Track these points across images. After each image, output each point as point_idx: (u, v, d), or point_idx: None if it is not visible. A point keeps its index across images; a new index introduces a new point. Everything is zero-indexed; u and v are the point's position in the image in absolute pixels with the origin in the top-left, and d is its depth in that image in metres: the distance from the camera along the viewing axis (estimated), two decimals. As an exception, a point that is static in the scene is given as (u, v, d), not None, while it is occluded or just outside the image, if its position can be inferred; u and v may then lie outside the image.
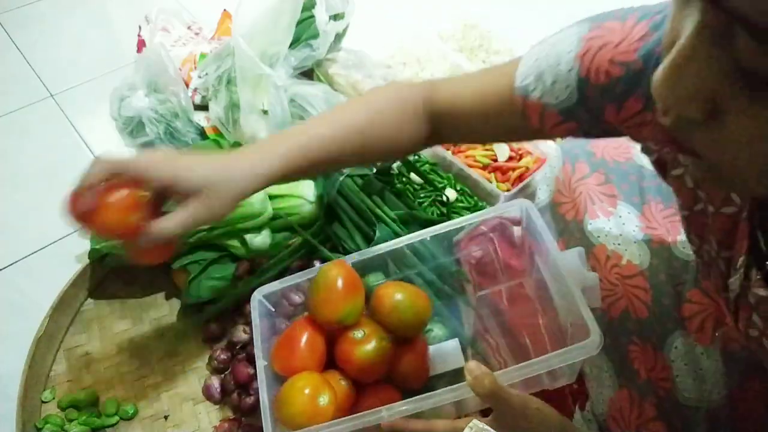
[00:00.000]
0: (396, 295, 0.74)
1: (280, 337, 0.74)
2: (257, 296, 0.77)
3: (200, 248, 0.94)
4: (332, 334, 0.74)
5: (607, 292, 0.75)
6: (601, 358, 0.75)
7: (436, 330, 0.83)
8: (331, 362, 0.74)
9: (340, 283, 0.71)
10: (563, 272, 0.67)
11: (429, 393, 0.62)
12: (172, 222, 0.59)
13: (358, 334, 0.72)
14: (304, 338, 0.72)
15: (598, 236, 0.77)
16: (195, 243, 0.93)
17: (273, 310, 0.80)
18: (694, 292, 0.70)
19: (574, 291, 0.65)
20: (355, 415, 0.63)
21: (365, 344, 0.71)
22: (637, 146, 0.81)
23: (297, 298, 0.90)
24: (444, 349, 0.79)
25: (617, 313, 0.73)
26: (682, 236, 0.72)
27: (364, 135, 0.69)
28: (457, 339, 0.80)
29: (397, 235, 0.90)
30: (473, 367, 0.58)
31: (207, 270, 0.92)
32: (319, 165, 0.68)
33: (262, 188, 0.63)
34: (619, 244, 0.75)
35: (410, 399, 0.62)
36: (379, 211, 0.95)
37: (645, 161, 0.79)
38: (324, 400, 0.66)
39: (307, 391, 0.66)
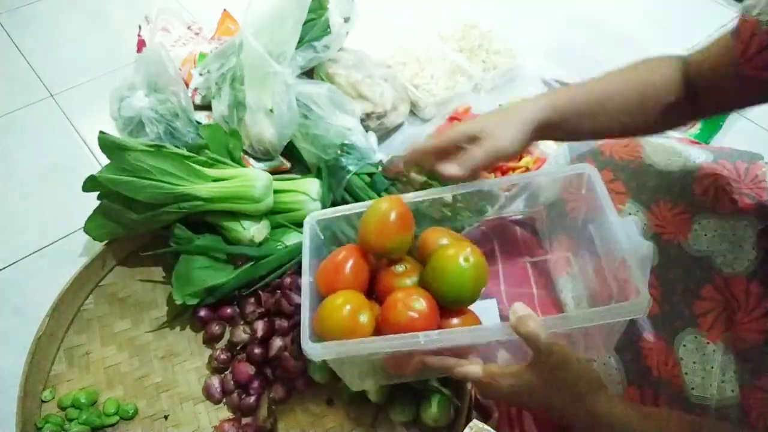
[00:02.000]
0: (441, 239, 0.74)
1: (325, 260, 0.74)
2: (310, 220, 0.78)
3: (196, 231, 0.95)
4: (376, 268, 0.74)
5: None
6: (610, 354, 0.75)
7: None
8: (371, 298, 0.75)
9: (393, 215, 0.70)
10: (620, 238, 0.66)
11: (469, 327, 0.62)
12: (478, 151, 0.70)
13: (400, 268, 0.72)
14: (349, 263, 0.71)
15: None
16: (192, 218, 0.95)
17: (322, 237, 0.80)
18: (708, 288, 0.70)
19: (629, 258, 0.65)
20: (393, 335, 0.62)
21: (406, 278, 0.71)
22: (647, 146, 0.81)
23: (297, 298, 0.90)
24: (481, 308, 0.77)
25: None
26: (692, 233, 0.72)
27: (615, 105, 0.71)
28: (495, 299, 0.79)
29: None
30: (518, 308, 0.58)
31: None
32: (571, 123, 0.72)
33: (530, 131, 0.70)
34: None
35: (448, 330, 0.62)
36: None
37: (654, 159, 0.79)
38: (364, 318, 0.66)
39: (348, 307, 0.66)
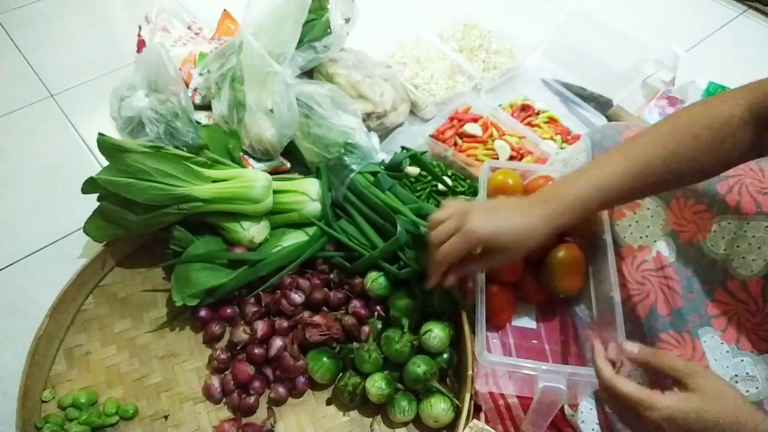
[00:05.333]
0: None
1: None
2: (486, 165, 0.89)
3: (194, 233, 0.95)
4: None
5: (634, 291, 0.75)
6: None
7: (436, 330, 0.83)
8: None
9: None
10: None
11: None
12: (474, 264, 0.74)
13: None
14: None
15: (624, 236, 0.77)
16: (191, 219, 0.95)
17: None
18: (720, 291, 0.70)
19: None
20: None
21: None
22: None
23: (297, 298, 0.90)
24: None
25: (645, 311, 0.73)
26: (710, 234, 0.72)
27: (666, 166, 0.65)
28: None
29: (416, 228, 0.90)
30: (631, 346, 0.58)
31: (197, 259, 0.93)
32: (616, 202, 0.71)
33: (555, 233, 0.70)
34: (647, 236, 0.75)
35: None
36: (396, 205, 0.95)
37: None
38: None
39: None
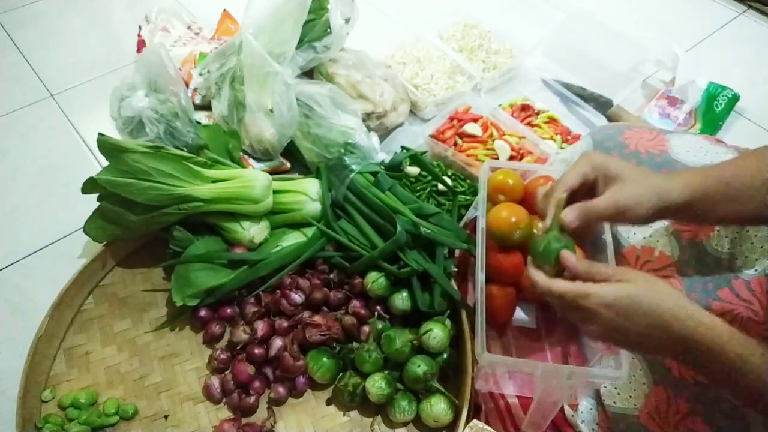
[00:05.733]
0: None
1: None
2: (486, 165, 0.89)
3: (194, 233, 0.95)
4: None
5: None
6: (635, 356, 0.74)
7: (436, 330, 0.83)
8: None
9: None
10: None
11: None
12: (602, 202, 0.64)
13: None
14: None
15: (628, 237, 0.77)
16: (191, 219, 0.95)
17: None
18: (725, 291, 0.70)
19: None
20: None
21: None
22: (672, 140, 0.80)
23: (297, 298, 0.90)
24: None
25: None
26: (714, 233, 0.72)
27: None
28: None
29: (416, 228, 0.90)
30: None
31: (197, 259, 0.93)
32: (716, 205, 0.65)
33: (661, 210, 0.63)
34: (650, 236, 0.75)
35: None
36: (396, 205, 0.95)
37: (680, 156, 0.78)
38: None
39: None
